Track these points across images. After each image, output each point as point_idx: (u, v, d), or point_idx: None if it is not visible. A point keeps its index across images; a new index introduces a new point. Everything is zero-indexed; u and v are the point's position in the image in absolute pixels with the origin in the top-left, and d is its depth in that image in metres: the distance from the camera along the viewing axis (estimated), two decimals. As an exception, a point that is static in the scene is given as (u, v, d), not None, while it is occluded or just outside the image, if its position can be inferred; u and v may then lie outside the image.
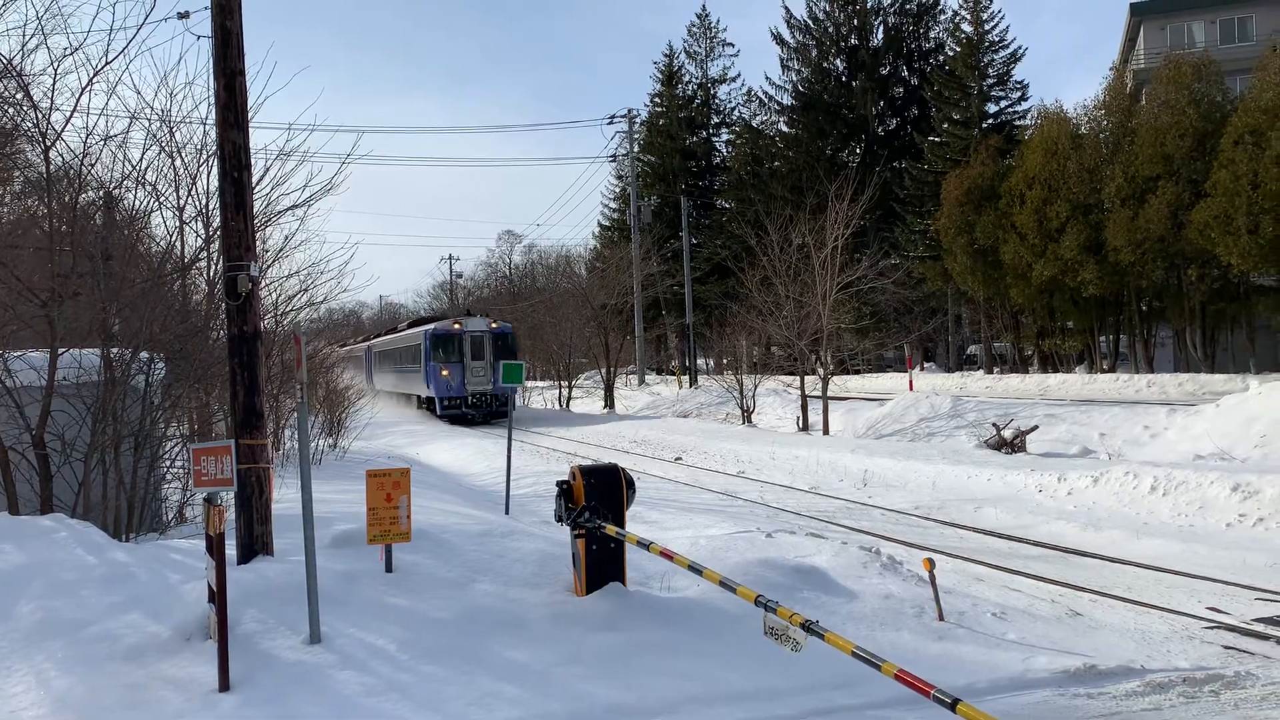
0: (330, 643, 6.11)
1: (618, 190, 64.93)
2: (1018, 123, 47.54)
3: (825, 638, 4.51)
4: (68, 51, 8.96)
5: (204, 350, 11.26)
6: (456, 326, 33.99)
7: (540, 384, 49.96)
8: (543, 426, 31.68)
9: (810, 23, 56.70)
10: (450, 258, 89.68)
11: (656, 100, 64.90)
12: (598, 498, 6.96)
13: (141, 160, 10.97)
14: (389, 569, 7.29)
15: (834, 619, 6.95)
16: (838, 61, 56.52)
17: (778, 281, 25.86)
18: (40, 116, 9.24)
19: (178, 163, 11.50)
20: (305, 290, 15.80)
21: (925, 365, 51.38)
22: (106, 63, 8.97)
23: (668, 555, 6.11)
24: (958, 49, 49.57)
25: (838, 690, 5.78)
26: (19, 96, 9.50)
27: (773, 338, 29.32)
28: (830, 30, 56.26)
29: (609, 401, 40.78)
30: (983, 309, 44.35)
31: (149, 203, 11.46)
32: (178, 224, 11.72)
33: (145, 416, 9.43)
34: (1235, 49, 41.10)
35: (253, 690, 5.56)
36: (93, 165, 10.16)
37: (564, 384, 43.41)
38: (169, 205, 11.66)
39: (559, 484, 7.26)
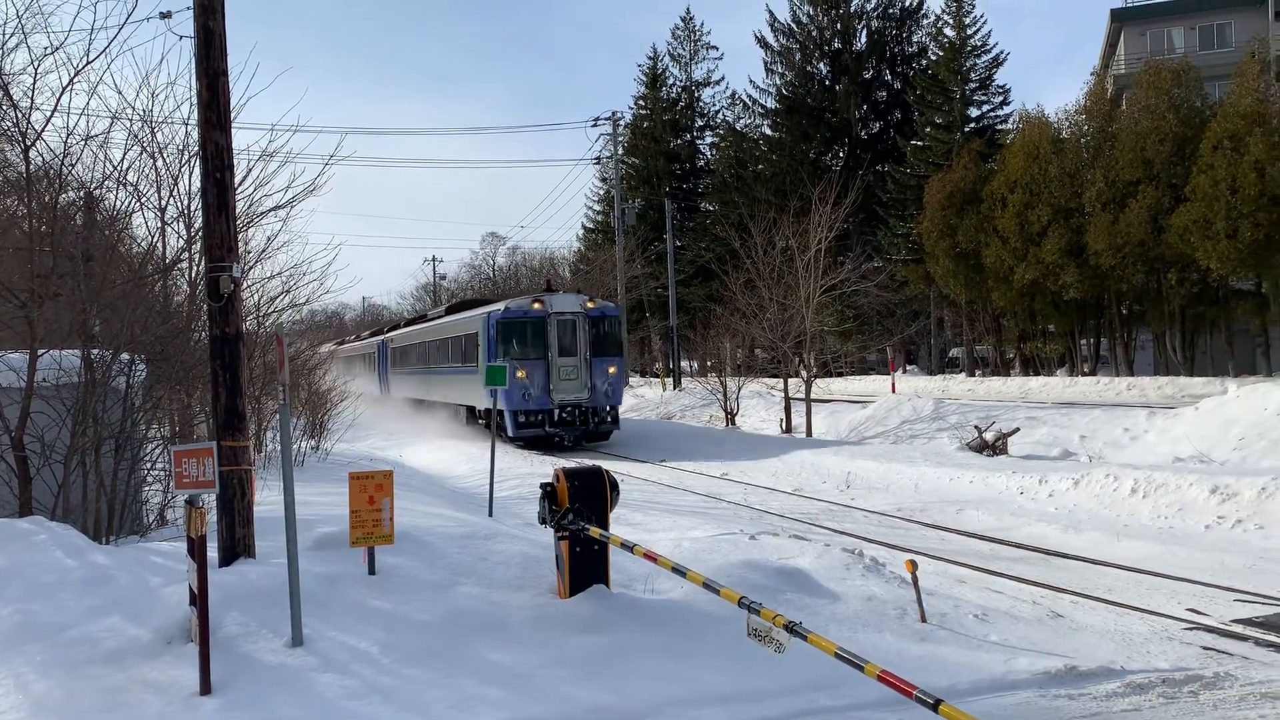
0: (312, 645, 6.08)
1: (602, 192, 64.88)
2: (1000, 127, 47.90)
3: (808, 639, 4.52)
4: (48, 50, 8.89)
5: (186, 352, 11.17)
6: (537, 306, 23.82)
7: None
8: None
9: (794, 26, 56.87)
10: (434, 259, 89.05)
11: (641, 103, 64.89)
12: (581, 500, 6.95)
13: (123, 160, 10.86)
14: (372, 571, 7.26)
15: (817, 620, 6.96)
16: (821, 65, 56.68)
17: (761, 284, 25.90)
18: (20, 116, 9.17)
19: (160, 163, 11.43)
20: (288, 291, 15.71)
21: (908, 368, 51.60)
22: (88, 62, 8.91)
23: (651, 557, 6.11)
24: (940, 53, 49.89)
25: (821, 691, 5.80)
26: (-2, 95, 9.42)
27: (756, 340, 29.37)
28: (814, 34, 56.41)
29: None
30: (965, 312, 44.62)
31: (130, 203, 11.40)
32: (159, 225, 11.66)
33: (126, 418, 9.35)
34: (1214, 55, 41.53)
35: (234, 693, 5.53)
36: (73, 165, 10.10)
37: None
38: (150, 206, 11.60)
39: (543, 486, 7.25)
